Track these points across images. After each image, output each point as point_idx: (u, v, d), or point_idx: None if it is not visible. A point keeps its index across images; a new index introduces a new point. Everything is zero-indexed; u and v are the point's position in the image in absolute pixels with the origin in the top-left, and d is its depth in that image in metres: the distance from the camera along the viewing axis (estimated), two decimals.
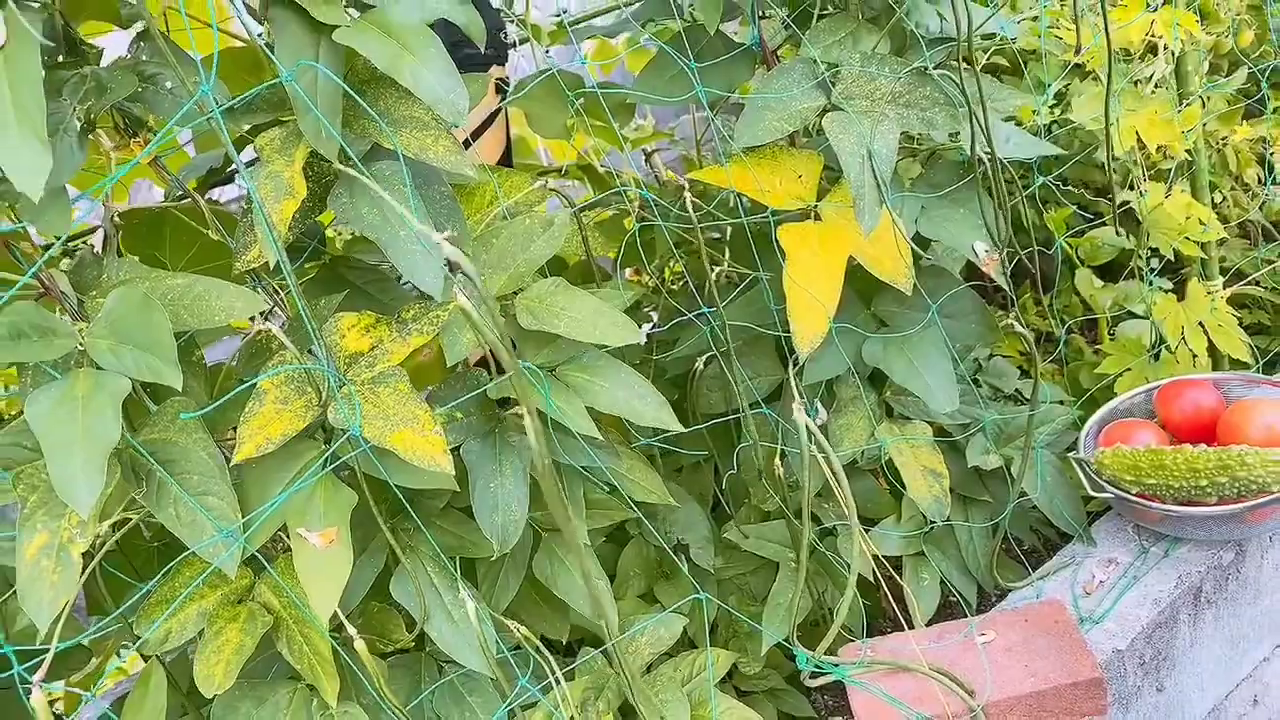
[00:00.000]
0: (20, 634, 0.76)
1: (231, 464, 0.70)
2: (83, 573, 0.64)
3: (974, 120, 0.91)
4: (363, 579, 0.82)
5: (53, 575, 0.62)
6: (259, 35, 0.69)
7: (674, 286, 1.22)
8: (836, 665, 0.94)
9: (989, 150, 0.94)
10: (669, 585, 1.19)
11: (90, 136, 0.68)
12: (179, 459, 0.70)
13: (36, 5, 0.59)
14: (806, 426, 0.82)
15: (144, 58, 0.69)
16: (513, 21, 1.23)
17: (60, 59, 0.67)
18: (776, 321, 0.97)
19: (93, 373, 0.63)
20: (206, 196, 0.93)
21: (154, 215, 0.86)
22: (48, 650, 0.72)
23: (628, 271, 1.48)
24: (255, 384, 0.73)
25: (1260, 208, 1.48)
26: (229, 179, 0.92)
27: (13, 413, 0.82)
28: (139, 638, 0.73)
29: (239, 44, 0.88)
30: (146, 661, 0.75)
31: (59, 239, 0.65)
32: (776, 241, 0.91)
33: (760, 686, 1.20)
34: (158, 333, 0.63)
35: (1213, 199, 1.44)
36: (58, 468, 0.58)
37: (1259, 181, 1.48)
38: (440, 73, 0.68)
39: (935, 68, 0.93)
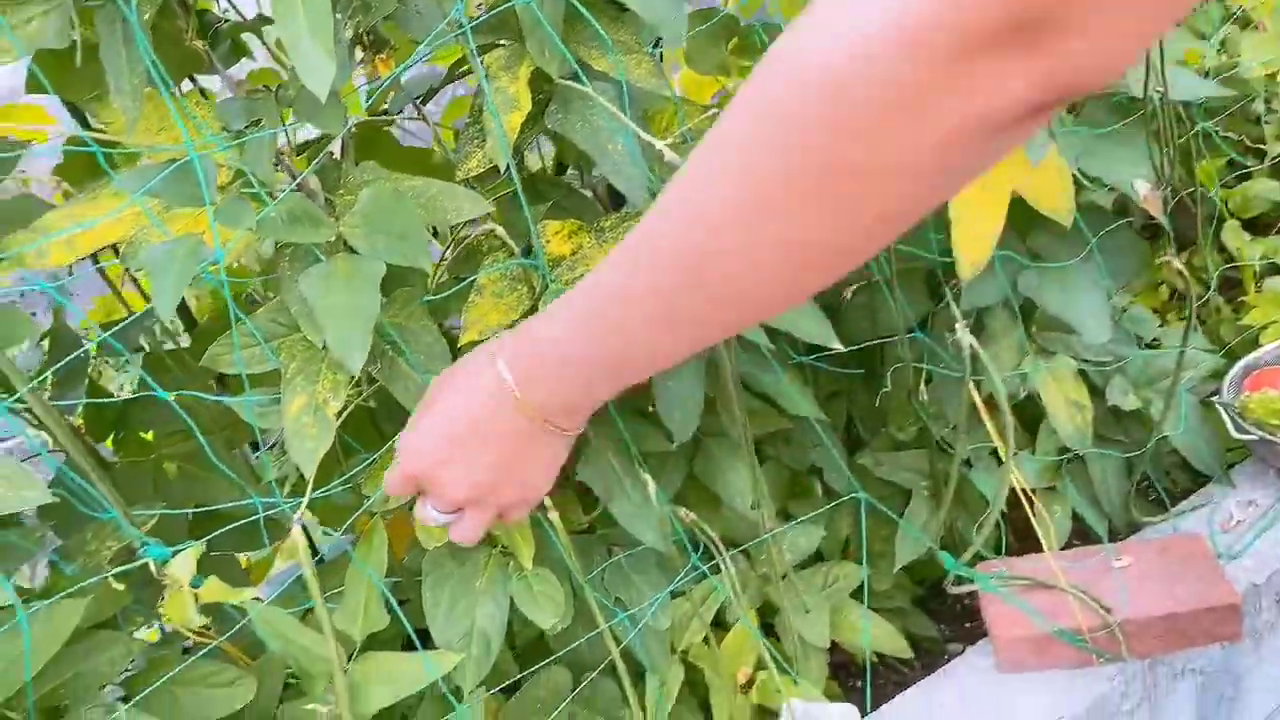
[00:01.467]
0: (269, 483, 0.87)
1: (458, 347, 0.79)
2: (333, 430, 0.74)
3: (1148, 58, 0.93)
4: None
5: (312, 430, 0.72)
6: None
7: None
8: (982, 574, 0.99)
9: (1160, 89, 0.96)
10: (803, 504, 1.26)
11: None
12: (409, 341, 0.79)
13: None
14: (970, 346, 0.87)
15: None
16: None
17: None
18: (934, 250, 1.01)
19: (351, 257, 0.72)
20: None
21: (373, 129, 0.95)
22: (284, 504, 0.84)
23: None
24: (474, 280, 0.82)
25: None
26: (429, 97, 1.00)
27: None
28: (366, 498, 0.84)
29: None
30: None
31: (320, 144, 0.74)
32: None
33: (887, 605, 1.26)
34: (409, 223, 0.72)
35: None
36: (332, 332, 0.68)
37: None
38: None
39: None
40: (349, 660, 0.82)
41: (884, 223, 0.45)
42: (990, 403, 1.18)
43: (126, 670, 0.86)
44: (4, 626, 0.73)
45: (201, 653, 0.87)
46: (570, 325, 0.61)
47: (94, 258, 1.04)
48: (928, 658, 1.31)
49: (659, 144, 0.67)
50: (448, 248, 0.93)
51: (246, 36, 0.93)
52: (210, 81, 0.98)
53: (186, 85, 0.95)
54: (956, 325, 0.88)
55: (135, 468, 1.13)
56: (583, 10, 0.75)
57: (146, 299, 1.23)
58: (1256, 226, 1.49)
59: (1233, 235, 1.41)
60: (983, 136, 0.40)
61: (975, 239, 0.93)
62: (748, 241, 0.46)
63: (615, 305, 0.57)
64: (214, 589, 0.79)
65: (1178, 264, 0.97)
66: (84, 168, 0.97)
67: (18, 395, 0.75)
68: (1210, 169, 1.44)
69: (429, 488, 0.72)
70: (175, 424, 1.15)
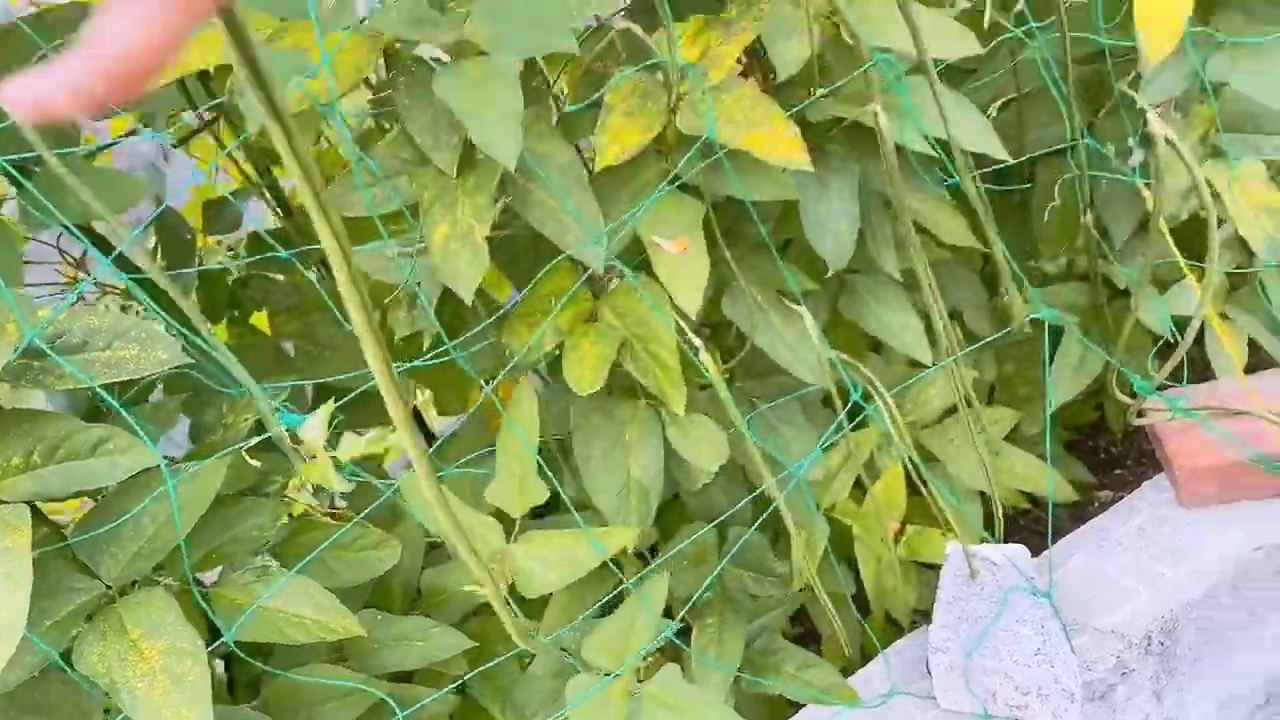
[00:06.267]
0: (397, 353, 0.82)
1: (593, 172, 0.72)
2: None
3: None
4: None
5: (464, 254, 0.66)
6: None
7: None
8: (1172, 398, 0.90)
9: None
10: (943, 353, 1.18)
11: None
12: (542, 164, 0.72)
13: None
14: (1166, 138, 0.76)
15: None
16: None
17: None
18: (1104, 40, 0.89)
19: (481, 58, 0.64)
20: None
21: None
22: (413, 364, 0.79)
23: None
24: (602, 96, 0.74)
25: None
26: None
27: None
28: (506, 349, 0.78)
29: None
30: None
31: None
32: None
33: (1040, 450, 1.19)
34: (540, 8, 0.64)
35: None
36: (479, 129, 0.61)
37: None
38: None
39: None
40: (510, 539, 0.77)
41: None
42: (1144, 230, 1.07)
43: (273, 540, 0.85)
44: (153, 492, 0.71)
45: (345, 527, 0.85)
46: None
47: (191, 102, 0.98)
48: (1077, 507, 1.24)
49: None
50: (559, 73, 0.85)
51: None
52: None
53: None
54: (1147, 114, 0.77)
55: (254, 348, 1.11)
56: None
57: (245, 176, 1.18)
58: None
59: None
60: None
61: (1163, 16, 0.80)
62: None
63: None
64: (354, 446, 0.76)
65: None
66: None
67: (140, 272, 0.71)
68: None
69: None
70: (287, 303, 1.11)
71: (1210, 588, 0.87)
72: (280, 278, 1.14)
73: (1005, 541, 0.96)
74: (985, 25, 0.87)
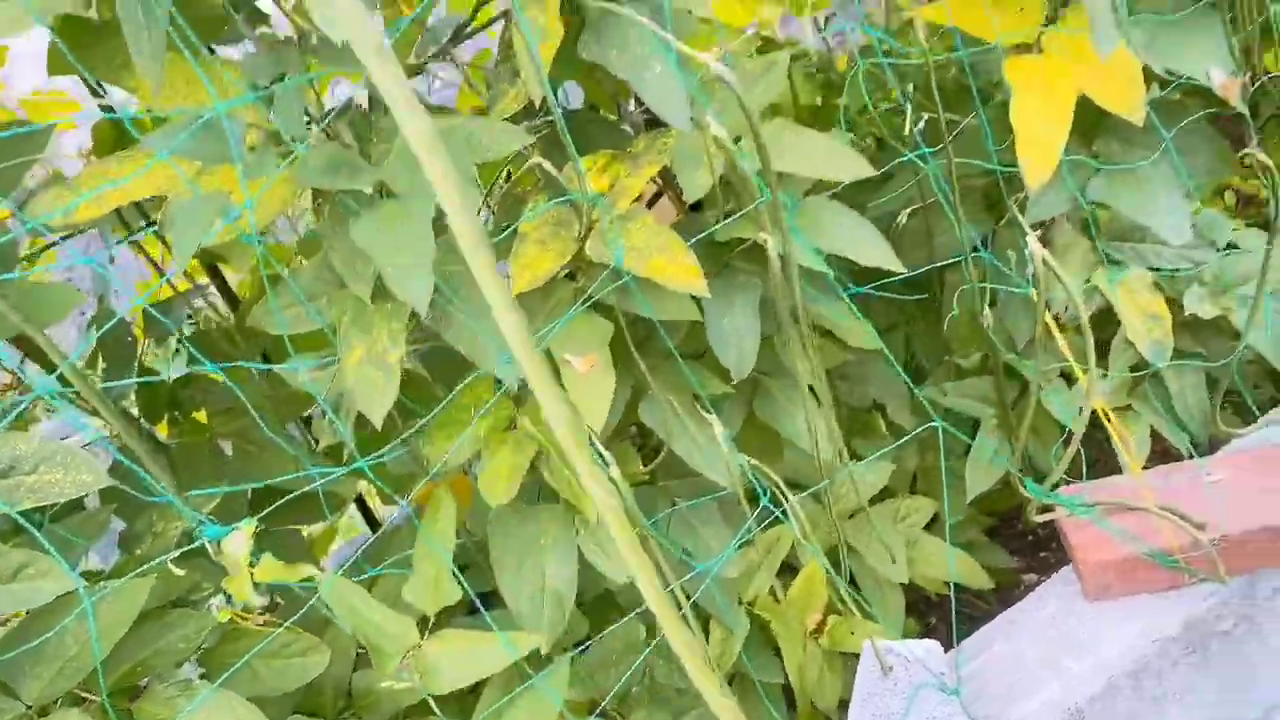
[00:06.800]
0: (322, 455, 0.85)
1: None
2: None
3: None
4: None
5: (377, 379, 0.70)
6: None
7: (868, 139, 1.21)
8: (1067, 497, 0.95)
9: None
10: (866, 442, 1.22)
11: None
12: (461, 287, 0.76)
13: None
14: (1043, 259, 0.82)
15: None
16: None
17: None
18: (994, 163, 0.96)
19: (398, 200, 0.69)
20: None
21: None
22: (342, 471, 0.82)
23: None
24: (516, 228, 0.78)
25: None
26: (467, 37, 0.96)
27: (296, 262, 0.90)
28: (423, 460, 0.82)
29: None
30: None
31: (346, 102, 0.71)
32: (982, 89, 0.89)
33: (960, 538, 1.23)
34: (453, 153, 0.69)
35: None
36: (393, 271, 0.65)
37: None
38: None
39: None
40: (423, 637, 0.80)
41: None
42: (1058, 322, 1.13)
43: (202, 647, 0.86)
44: (73, 611, 0.73)
45: (273, 634, 0.86)
46: None
47: (126, 226, 1.02)
48: (1002, 590, 1.28)
49: (705, 57, 0.63)
50: (487, 193, 0.90)
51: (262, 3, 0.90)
52: (230, 53, 0.95)
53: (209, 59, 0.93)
54: (1027, 236, 0.83)
55: (191, 448, 1.13)
56: None
57: (190, 279, 1.22)
58: None
59: None
60: None
61: (1041, 147, 0.87)
62: None
63: None
64: (270, 567, 0.78)
65: (1263, 156, 0.90)
66: (113, 142, 0.95)
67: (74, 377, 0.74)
68: None
69: None
70: (226, 402, 1.14)
71: (1111, 680, 0.90)
72: (219, 377, 1.17)
73: (931, 626, 0.99)
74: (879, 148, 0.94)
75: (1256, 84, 0.97)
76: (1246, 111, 0.92)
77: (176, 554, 0.79)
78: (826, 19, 1.47)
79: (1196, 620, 0.91)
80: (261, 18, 0.91)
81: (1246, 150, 0.92)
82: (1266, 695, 0.95)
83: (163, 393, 1.16)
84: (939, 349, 1.21)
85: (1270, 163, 0.91)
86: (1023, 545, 1.40)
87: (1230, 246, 1.20)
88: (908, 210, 1.11)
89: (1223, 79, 0.91)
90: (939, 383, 1.19)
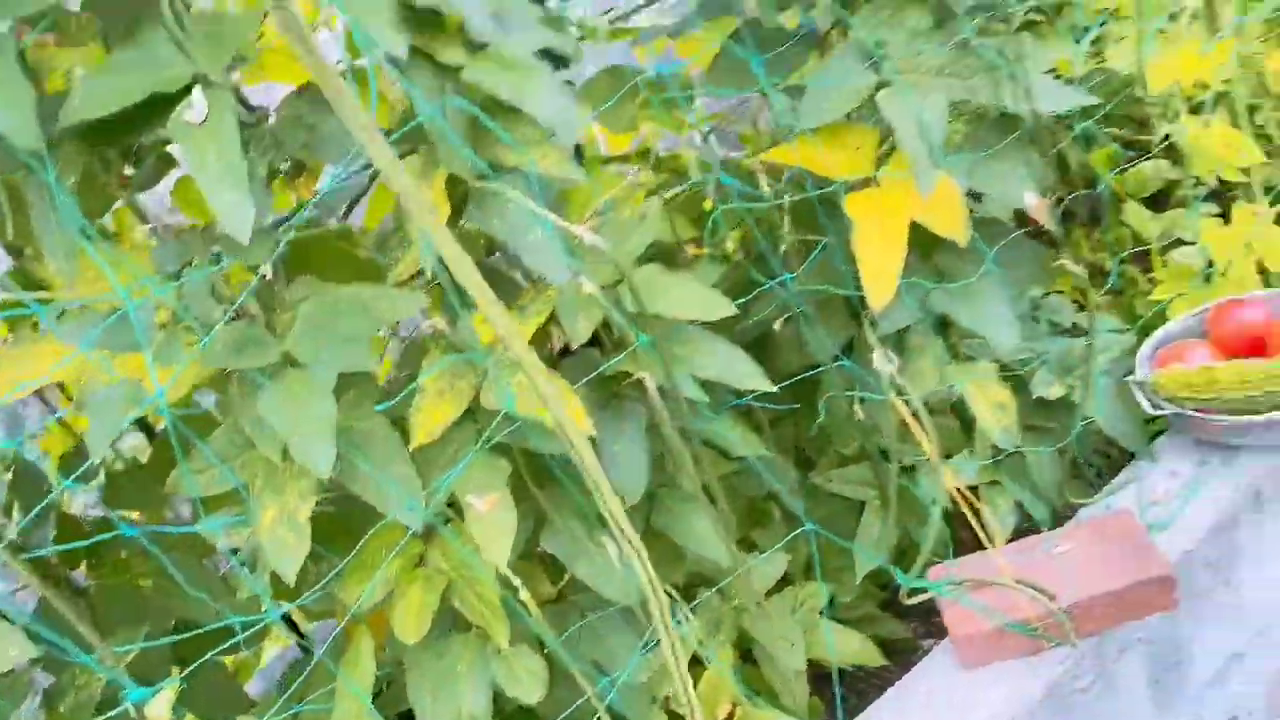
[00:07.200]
0: (240, 607, 0.90)
1: (411, 449, 0.83)
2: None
3: (1015, 80, 1.00)
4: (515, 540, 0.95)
5: (289, 539, 0.76)
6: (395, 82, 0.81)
7: (739, 259, 1.32)
8: (931, 582, 1.05)
9: (1030, 105, 1.03)
10: (764, 531, 1.31)
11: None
12: (364, 441, 0.83)
13: (226, 82, 0.72)
14: (889, 374, 0.93)
15: (305, 110, 0.81)
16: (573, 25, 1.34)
17: (240, 120, 0.80)
18: (848, 280, 1.08)
19: (300, 371, 0.76)
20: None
21: (303, 241, 0.99)
22: (263, 619, 0.87)
23: (689, 248, 1.59)
24: (419, 383, 0.86)
25: None
26: (351, 210, 1.04)
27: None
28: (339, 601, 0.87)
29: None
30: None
31: (257, 270, 0.78)
32: (829, 217, 1.01)
33: (856, 615, 1.32)
34: (350, 330, 0.77)
35: (1253, 120, 1.50)
36: (296, 441, 0.72)
37: None
38: (554, 95, 0.80)
39: (977, 33, 1.02)
40: None
41: None
42: (927, 407, 1.25)
43: None
44: None
45: None
46: None
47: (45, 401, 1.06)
48: (902, 656, 1.37)
49: (576, 229, 0.72)
50: (388, 341, 0.97)
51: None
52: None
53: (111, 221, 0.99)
54: (874, 353, 0.94)
55: (111, 590, 1.15)
56: (483, 116, 0.79)
57: None
58: (1158, 201, 1.58)
59: (1134, 215, 1.50)
60: None
61: (880, 273, 0.99)
62: None
63: None
64: None
65: (1072, 266, 1.04)
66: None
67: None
68: (1102, 157, 1.52)
69: None
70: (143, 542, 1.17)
71: None
72: (136, 515, 1.20)
73: (847, 697, 1.07)
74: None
75: (1063, 201, 1.11)
76: (1055, 229, 1.06)
77: None
78: (709, 132, 1.60)
79: (1056, 682, 1.02)
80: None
81: (1059, 260, 1.06)
82: None
83: (82, 535, 1.18)
84: (823, 439, 1.31)
85: (1078, 269, 1.05)
86: (922, 612, 1.49)
87: (1075, 327, 1.35)
88: (785, 316, 1.21)
89: (1034, 201, 1.05)
90: (825, 470, 1.30)
